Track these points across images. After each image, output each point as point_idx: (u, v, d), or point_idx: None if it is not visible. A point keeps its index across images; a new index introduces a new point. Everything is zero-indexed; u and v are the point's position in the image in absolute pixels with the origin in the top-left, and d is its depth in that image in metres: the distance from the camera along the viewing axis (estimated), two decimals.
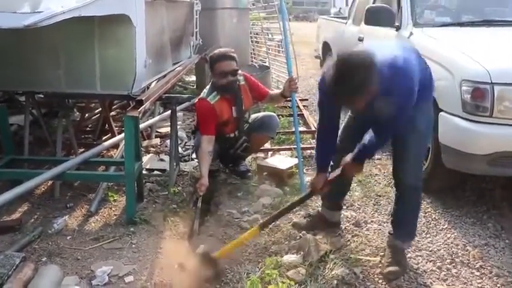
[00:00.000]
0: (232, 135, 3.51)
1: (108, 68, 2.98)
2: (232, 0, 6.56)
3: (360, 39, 4.86)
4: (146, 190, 3.33)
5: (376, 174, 3.81)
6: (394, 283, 2.36)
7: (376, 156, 4.19)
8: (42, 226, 2.80)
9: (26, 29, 1.99)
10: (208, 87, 3.40)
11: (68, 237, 2.71)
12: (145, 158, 3.93)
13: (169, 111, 3.97)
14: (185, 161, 4.07)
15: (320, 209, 2.91)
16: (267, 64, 7.26)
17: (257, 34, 8.52)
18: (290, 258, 2.47)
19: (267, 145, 4.21)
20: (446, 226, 2.96)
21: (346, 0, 19.71)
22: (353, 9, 6.05)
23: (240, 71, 3.41)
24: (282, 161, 3.81)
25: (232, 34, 6.54)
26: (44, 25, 2.03)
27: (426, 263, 2.55)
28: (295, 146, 3.61)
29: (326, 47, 7.17)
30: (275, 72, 7.28)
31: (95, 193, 3.19)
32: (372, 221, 3.01)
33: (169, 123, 3.81)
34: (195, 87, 7.01)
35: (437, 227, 2.95)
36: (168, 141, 4.13)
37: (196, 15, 5.14)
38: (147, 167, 3.82)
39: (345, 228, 2.90)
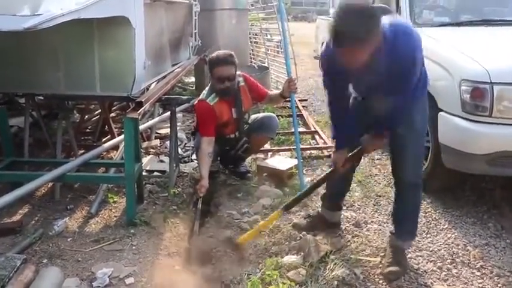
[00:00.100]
0: (232, 136, 3.51)
1: (108, 70, 2.98)
2: (231, 1, 6.56)
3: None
4: (146, 191, 3.33)
5: (376, 174, 3.81)
6: (394, 283, 2.36)
7: (376, 156, 4.20)
8: (42, 228, 2.80)
9: (26, 32, 2.00)
10: (207, 88, 3.40)
11: (69, 239, 2.71)
12: (145, 160, 3.93)
13: (168, 113, 3.97)
14: (185, 162, 4.07)
15: (320, 209, 2.91)
16: (266, 65, 7.26)
17: (256, 35, 8.53)
18: (290, 259, 2.47)
19: (267, 146, 4.21)
20: (446, 226, 2.96)
21: None
22: None
23: (239, 72, 3.41)
24: (282, 161, 3.81)
25: (231, 35, 6.54)
26: (44, 27, 2.03)
27: (427, 263, 2.55)
28: (295, 147, 3.61)
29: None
30: (274, 72, 7.29)
31: (95, 195, 3.19)
32: (372, 222, 3.01)
33: (168, 125, 3.82)
34: (194, 88, 7.01)
35: (438, 227, 2.96)
36: (167, 143, 4.13)
37: (195, 16, 5.15)
38: (147, 168, 3.82)
39: (345, 228, 2.90)
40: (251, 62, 7.73)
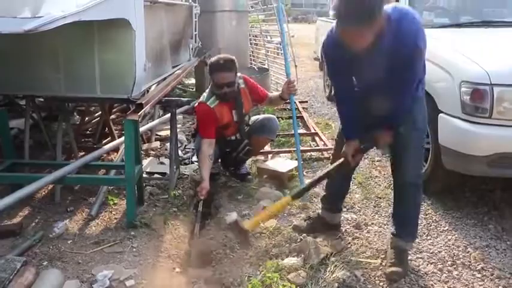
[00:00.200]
0: (233, 138, 3.51)
1: (108, 72, 2.98)
2: (231, 2, 6.56)
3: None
4: (146, 193, 3.33)
5: (376, 176, 3.82)
6: (395, 285, 2.36)
7: (376, 158, 4.20)
8: (43, 230, 2.79)
9: (27, 34, 2.00)
10: (207, 91, 3.40)
11: (69, 241, 2.71)
12: (145, 162, 3.93)
13: (169, 115, 3.97)
14: (185, 164, 4.07)
15: (320, 211, 2.91)
16: (266, 66, 7.26)
17: (256, 36, 8.54)
18: (291, 261, 2.47)
19: (267, 148, 4.21)
20: (447, 228, 2.96)
21: None
22: None
23: (240, 74, 3.41)
24: (282, 163, 3.81)
25: (231, 37, 6.55)
26: (44, 30, 2.04)
27: (427, 265, 2.55)
28: (295, 149, 3.61)
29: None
30: (274, 74, 7.29)
31: (96, 197, 3.19)
32: (372, 223, 3.01)
33: (169, 127, 3.82)
34: (194, 90, 7.02)
35: (438, 228, 2.96)
36: (168, 145, 4.13)
37: (196, 18, 5.15)
38: (147, 170, 3.82)
39: (346, 230, 2.90)
40: (251, 63, 7.74)
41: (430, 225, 2.99)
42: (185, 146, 4.55)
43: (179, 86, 7.06)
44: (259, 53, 8.41)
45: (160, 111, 5.16)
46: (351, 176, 2.83)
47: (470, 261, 2.58)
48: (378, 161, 4.14)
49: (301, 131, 5.04)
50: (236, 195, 3.42)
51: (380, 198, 3.38)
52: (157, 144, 4.53)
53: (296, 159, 3.57)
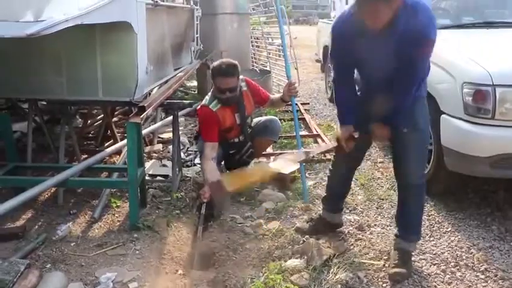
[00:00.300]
0: (236, 140, 3.51)
1: (110, 75, 2.98)
2: (233, 5, 6.58)
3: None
4: (149, 196, 3.33)
5: (378, 177, 3.81)
6: (398, 287, 2.36)
7: (379, 159, 4.20)
8: (46, 233, 2.80)
9: (29, 38, 2.01)
10: (210, 94, 3.40)
11: (72, 244, 2.71)
12: (147, 164, 3.93)
13: (171, 117, 3.98)
14: (188, 166, 4.07)
15: (321, 212, 2.91)
16: (267, 68, 7.27)
17: (257, 39, 8.55)
18: (293, 262, 2.47)
19: (269, 149, 4.21)
20: (450, 229, 2.95)
21: (346, 3, 19.76)
22: None
23: (242, 77, 3.41)
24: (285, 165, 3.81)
25: (233, 39, 6.56)
26: (47, 34, 2.04)
27: (430, 266, 2.55)
28: (298, 151, 3.61)
29: (327, 51, 7.18)
30: (276, 76, 7.29)
31: (98, 199, 3.19)
32: (375, 225, 3.01)
33: (171, 129, 3.82)
34: (196, 92, 7.03)
35: (441, 229, 2.95)
36: (170, 147, 4.14)
37: (197, 20, 5.16)
38: (150, 172, 3.83)
39: (348, 232, 2.90)
40: (253, 65, 7.74)
41: (433, 227, 2.99)
42: (187, 148, 4.55)
43: (181, 89, 7.07)
44: (261, 55, 8.41)
45: (162, 113, 5.16)
46: (352, 177, 2.83)
47: (473, 263, 2.57)
48: (380, 162, 4.14)
49: (303, 132, 5.04)
50: (238, 197, 3.42)
51: (382, 199, 3.37)
52: (159, 146, 4.53)
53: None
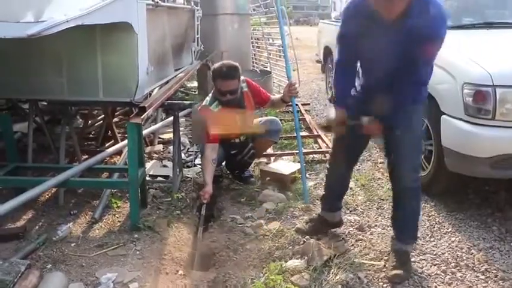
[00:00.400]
0: (237, 140, 3.52)
1: (111, 75, 2.99)
2: (233, 5, 6.58)
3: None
4: (150, 196, 3.33)
5: (379, 178, 3.81)
6: (398, 287, 2.35)
7: (379, 160, 4.20)
8: (46, 233, 2.80)
9: (30, 38, 2.01)
10: (210, 95, 3.40)
11: (73, 244, 2.71)
12: (148, 164, 3.93)
13: (171, 118, 3.98)
14: (188, 167, 4.07)
15: (320, 212, 2.90)
16: (268, 69, 7.27)
17: (258, 39, 8.55)
18: (294, 263, 2.47)
19: (270, 150, 4.21)
20: (450, 229, 2.95)
21: None
22: None
23: (243, 77, 3.41)
24: (285, 166, 3.81)
25: (234, 40, 6.56)
26: (47, 34, 2.05)
27: (431, 266, 2.55)
28: (298, 151, 3.61)
29: (327, 52, 7.19)
30: (276, 77, 7.30)
31: (99, 200, 3.19)
32: (375, 225, 3.01)
33: (171, 129, 3.82)
34: (196, 93, 7.02)
35: (442, 230, 2.95)
36: (171, 147, 4.14)
37: (198, 21, 5.16)
38: (151, 173, 3.83)
39: (349, 232, 2.90)
40: (253, 66, 7.75)
41: (434, 227, 2.99)
42: (188, 148, 4.56)
43: (181, 89, 7.07)
44: (261, 55, 8.42)
45: (163, 114, 5.17)
46: (350, 175, 2.82)
47: (474, 263, 2.57)
48: (380, 163, 4.14)
49: (304, 133, 5.04)
50: (239, 197, 3.42)
51: (383, 200, 3.37)
52: (160, 147, 4.54)
53: (299, 162, 3.58)
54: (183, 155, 4.18)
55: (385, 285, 2.37)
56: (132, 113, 3.06)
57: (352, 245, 2.75)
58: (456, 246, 2.75)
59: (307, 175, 3.64)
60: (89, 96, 3.09)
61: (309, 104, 6.72)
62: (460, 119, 2.93)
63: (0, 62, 3.02)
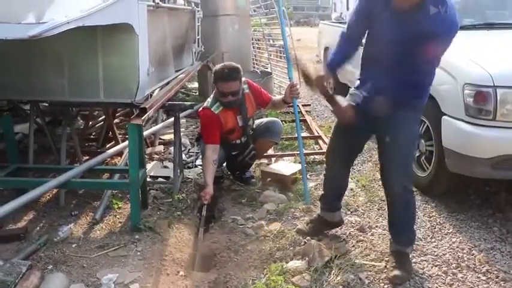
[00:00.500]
0: (238, 141, 3.52)
1: (112, 77, 2.99)
2: (234, 6, 6.58)
3: (362, 45, 4.88)
4: (150, 197, 3.33)
5: (379, 179, 3.79)
6: None
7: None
8: (47, 234, 2.80)
9: (31, 39, 2.01)
10: (212, 96, 3.40)
11: (74, 245, 2.72)
12: (149, 165, 3.94)
13: (172, 119, 3.98)
14: (189, 167, 4.07)
15: (319, 212, 2.90)
16: (268, 70, 7.28)
17: (259, 40, 8.56)
18: (295, 264, 2.47)
19: (271, 151, 4.21)
20: (451, 230, 2.95)
21: (347, 5, 19.78)
22: None
23: (244, 79, 3.42)
24: (286, 166, 3.82)
25: (234, 40, 6.57)
26: (49, 35, 2.05)
27: (432, 267, 2.54)
28: (299, 152, 3.62)
29: (328, 53, 7.19)
30: (277, 78, 7.30)
31: (100, 201, 3.19)
32: (376, 226, 3.01)
33: (172, 130, 3.83)
34: (197, 94, 7.03)
35: (442, 231, 2.95)
36: (171, 148, 4.14)
37: (198, 22, 5.16)
38: (151, 174, 3.83)
39: (350, 233, 2.90)
40: (254, 67, 7.75)
41: (434, 228, 2.98)
42: (189, 149, 4.56)
43: (182, 90, 7.08)
44: (262, 56, 8.42)
45: (163, 115, 5.17)
46: (348, 175, 2.82)
47: (475, 264, 2.57)
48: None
49: (305, 134, 5.04)
50: (240, 198, 3.42)
51: (384, 201, 3.35)
52: (161, 148, 4.54)
53: (299, 163, 3.58)
54: (183, 156, 4.18)
55: (386, 286, 2.37)
56: (133, 114, 3.06)
57: (353, 246, 2.75)
58: (457, 247, 2.74)
59: (308, 176, 3.64)
60: (90, 97, 3.09)
61: (309, 105, 6.72)
62: (461, 120, 2.93)
63: (2, 63, 3.02)
